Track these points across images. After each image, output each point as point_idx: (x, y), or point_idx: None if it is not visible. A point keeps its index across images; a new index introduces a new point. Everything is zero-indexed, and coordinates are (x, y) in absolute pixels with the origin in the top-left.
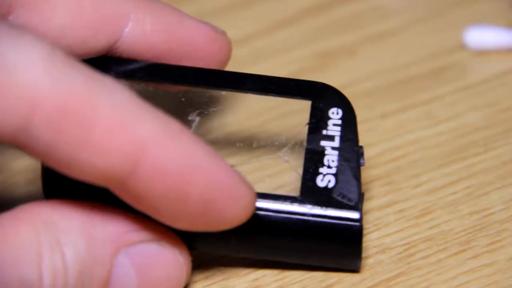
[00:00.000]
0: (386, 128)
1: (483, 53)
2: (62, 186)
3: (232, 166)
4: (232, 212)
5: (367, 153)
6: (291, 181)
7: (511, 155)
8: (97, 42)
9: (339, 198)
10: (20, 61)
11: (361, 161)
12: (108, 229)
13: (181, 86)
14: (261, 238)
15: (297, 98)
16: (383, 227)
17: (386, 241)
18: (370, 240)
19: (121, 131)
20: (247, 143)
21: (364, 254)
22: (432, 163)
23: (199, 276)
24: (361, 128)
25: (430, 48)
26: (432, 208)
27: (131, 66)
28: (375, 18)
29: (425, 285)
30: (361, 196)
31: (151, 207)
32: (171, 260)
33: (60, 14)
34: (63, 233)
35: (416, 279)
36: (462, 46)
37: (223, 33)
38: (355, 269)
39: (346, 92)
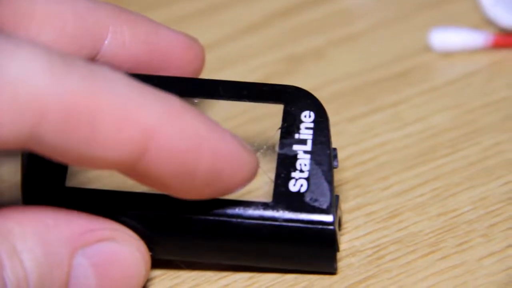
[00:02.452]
0: (353, 131)
1: (449, 54)
2: (42, 194)
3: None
4: (237, 178)
5: None
6: (263, 186)
7: (478, 156)
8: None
9: (312, 202)
10: (22, 73)
11: (334, 163)
12: (62, 231)
13: None
14: (235, 245)
15: (270, 103)
16: (353, 230)
17: (356, 244)
18: (340, 243)
19: (127, 122)
20: None
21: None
22: (400, 166)
23: (168, 283)
24: None
25: (396, 51)
26: (400, 210)
27: None
28: (342, 21)
29: (395, 287)
30: (334, 199)
31: (161, 184)
32: (129, 257)
33: (46, 30)
34: (19, 240)
35: (386, 282)
36: (427, 48)
37: (197, 41)
38: (331, 272)
39: None
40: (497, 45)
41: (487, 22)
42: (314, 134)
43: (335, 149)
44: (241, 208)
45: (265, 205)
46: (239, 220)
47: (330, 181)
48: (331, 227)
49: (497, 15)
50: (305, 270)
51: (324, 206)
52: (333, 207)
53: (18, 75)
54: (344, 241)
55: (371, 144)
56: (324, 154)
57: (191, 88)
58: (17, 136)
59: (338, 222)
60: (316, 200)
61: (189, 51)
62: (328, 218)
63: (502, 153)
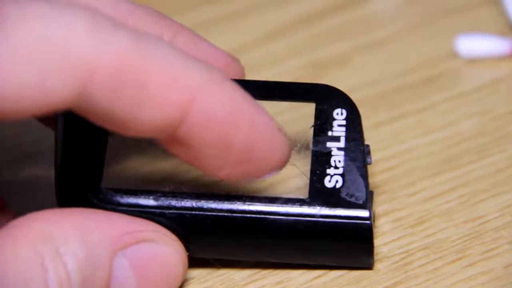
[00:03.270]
0: (379, 137)
1: (475, 61)
2: (78, 196)
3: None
4: (271, 159)
5: None
6: (299, 185)
7: (505, 163)
8: None
9: (347, 198)
10: (69, 33)
11: (368, 159)
12: (103, 233)
13: None
14: (272, 242)
15: (301, 101)
16: (380, 236)
17: (383, 250)
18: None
19: (173, 83)
20: None
21: None
22: (426, 172)
23: (197, 287)
24: None
25: (422, 57)
26: (427, 216)
27: None
28: (367, 28)
29: None
30: (369, 194)
31: (197, 155)
32: (167, 258)
33: None
34: (61, 244)
35: None
36: (454, 55)
37: (238, 60)
38: (368, 267)
39: None
40: None
41: None
42: (347, 131)
43: (368, 145)
44: (278, 205)
45: (301, 202)
46: (276, 217)
47: (365, 176)
48: (368, 221)
49: None
50: (342, 265)
51: (360, 201)
52: (369, 202)
53: (66, 36)
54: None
55: (398, 151)
56: (358, 150)
57: None
58: (68, 95)
59: (373, 217)
60: (352, 196)
61: (229, 69)
62: (365, 213)
63: None
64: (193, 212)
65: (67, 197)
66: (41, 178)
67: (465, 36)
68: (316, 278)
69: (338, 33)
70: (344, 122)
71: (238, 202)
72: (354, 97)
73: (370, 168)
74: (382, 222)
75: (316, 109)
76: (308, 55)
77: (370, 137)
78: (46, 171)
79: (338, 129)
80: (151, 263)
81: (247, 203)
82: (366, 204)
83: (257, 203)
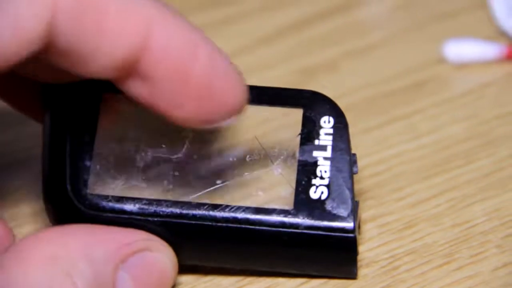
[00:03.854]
0: (368, 142)
1: (463, 66)
2: (61, 202)
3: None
4: (229, 96)
5: None
6: (285, 194)
7: (493, 167)
8: None
9: (332, 210)
10: None
11: (354, 169)
12: (104, 248)
13: None
14: (256, 251)
15: (289, 107)
16: (367, 241)
17: (370, 255)
18: (359, 245)
19: (131, 13)
20: (240, 157)
21: None
22: (414, 177)
23: None
24: None
25: (410, 62)
26: (415, 221)
27: None
28: (356, 33)
29: None
30: (355, 205)
31: (156, 91)
32: (163, 264)
33: None
34: (68, 264)
35: None
36: (442, 60)
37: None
38: (352, 277)
39: None
40: (511, 57)
41: (501, 34)
42: (334, 140)
43: (354, 154)
44: (263, 215)
45: (286, 212)
46: (260, 227)
47: (350, 188)
48: (352, 234)
49: (511, 27)
50: (326, 275)
51: (345, 214)
52: (353, 214)
53: None
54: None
55: (386, 155)
56: (344, 160)
57: None
58: (39, 29)
59: (358, 225)
60: (336, 208)
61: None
62: (349, 225)
63: None
64: (178, 220)
65: (53, 202)
66: (32, 185)
67: (453, 41)
68: (303, 284)
69: (328, 38)
70: (331, 131)
71: (223, 211)
72: (343, 102)
73: (359, 174)
74: (369, 227)
75: (304, 116)
76: (298, 60)
77: (359, 142)
78: (36, 178)
79: (325, 138)
80: (149, 271)
81: (232, 212)
82: (351, 216)
83: (242, 213)
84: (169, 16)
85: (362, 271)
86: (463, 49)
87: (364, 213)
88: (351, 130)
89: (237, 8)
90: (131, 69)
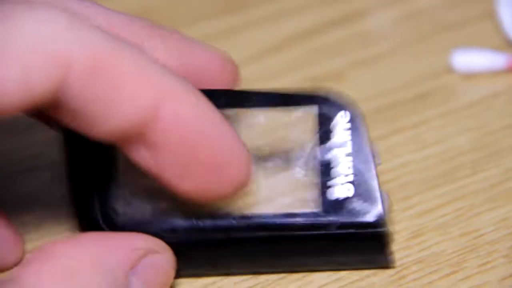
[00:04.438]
0: None
1: (470, 76)
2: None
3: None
4: (235, 173)
5: None
6: (311, 196)
7: (500, 177)
8: None
9: (360, 206)
10: (46, 30)
11: (378, 160)
12: (115, 256)
13: None
14: (290, 256)
15: (303, 107)
16: None
17: None
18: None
19: (145, 84)
20: (261, 164)
21: (356, 277)
22: (421, 186)
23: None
24: None
25: (417, 72)
26: (423, 230)
27: None
28: (362, 43)
29: None
30: (382, 197)
31: (162, 160)
32: (167, 264)
33: None
34: (86, 278)
35: None
36: (449, 70)
37: (231, 59)
38: (387, 266)
39: None
40: None
41: (509, 44)
42: (352, 135)
43: (375, 145)
44: (292, 220)
45: (315, 215)
46: (291, 232)
47: (376, 181)
48: (384, 228)
49: None
50: (361, 268)
51: (374, 208)
52: (383, 207)
53: (47, 34)
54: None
55: (392, 165)
56: (366, 153)
57: (224, 99)
58: (49, 89)
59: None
60: (365, 203)
61: (224, 70)
62: (380, 219)
63: None
64: (212, 236)
65: (83, 225)
66: (41, 193)
67: (460, 51)
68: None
69: (334, 48)
70: (348, 126)
71: (252, 220)
72: None
73: None
74: None
75: (319, 115)
76: (304, 70)
77: None
78: (45, 186)
79: (343, 133)
80: (156, 272)
81: (261, 220)
82: (380, 210)
83: (271, 220)
84: (183, 90)
85: (370, 280)
86: (470, 59)
87: None
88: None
89: (245, 17)
90: (138, 136)
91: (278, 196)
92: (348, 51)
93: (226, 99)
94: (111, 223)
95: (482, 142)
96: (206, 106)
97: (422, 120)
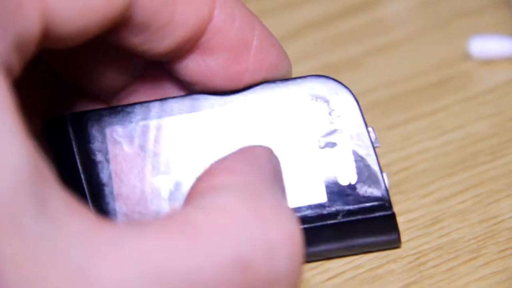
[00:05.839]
0: (393, 139)
1: (488, 62)
2: None
3: None
4: (283, 64)
5: None
6: (315, 188)
7: None
8: None
9: (365, 192)
10: None
11: (375, 144)
12: None
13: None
14: None
15: (296, 98)
16: None
17: (397, 250)
18: (381, 250)
19: None
20: None
21: (374, 264)
22: (440, 173)
23: None
24: None
25: (435, 59)
26: (442, 217)
27: None
28: (379, 31)
29: None
30: (384, 179)
31: (219, 63)
32: None
33: None
34: None
35: None
36: (466, 56)
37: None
38: (396, 247)
39: None
40: None
41: None
42: (348, 121)
43: (371, 128)
44: (299, 213)
45: (321, 206)
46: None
47: (377, 164)
48: (390, 211)
49: None
50: (371, 251)
51: (379, 193)
52: (386, 190)
53: None
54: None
55: (411, 152)
56: (363, 138)
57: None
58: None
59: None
60: (369, 188)
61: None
62: (385, 202)
63: None
64: None
65: None
66: None
67: (477, 38)
68: (328, 279)
69: (351, 36)
70: (343, 112)
71: None
72: (367, 99)
73: (383, 170)
74: None
75: (313, 104)
76: (321, 58)
77: (383, 138)
78: None
79: (338, 120)
80: None
81: None
82: (385, 193)
83: None
84: None
85: (389, 267)
86: (488, 46)
87: None
88: (376, 126)
89: (260, 5)
90: (197, 39)
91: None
92: (365, 39)
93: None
94: None
95: (501, 127)
96: (246, 7)
97: (440, 107)
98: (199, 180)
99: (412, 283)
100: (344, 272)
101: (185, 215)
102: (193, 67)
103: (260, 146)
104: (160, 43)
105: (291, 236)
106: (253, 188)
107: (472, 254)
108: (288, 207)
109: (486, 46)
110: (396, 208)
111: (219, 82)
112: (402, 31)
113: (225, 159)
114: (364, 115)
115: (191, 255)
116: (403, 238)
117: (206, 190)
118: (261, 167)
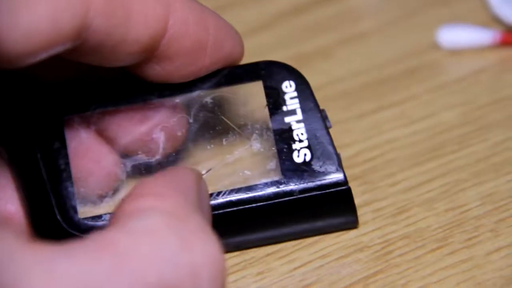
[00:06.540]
0: (362, 128)
1: (457, 52)
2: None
3: (209, 170)
4: (235, 52)
5: (344, 154)
6: (270, 166)
7: (486, 153)
8: None
9: (320, 168)
10: None
11: (328, 123)
12: None
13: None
14: (258, 228)
15: (248, 82)
16: (361, 225)
17: (364, 239)
18: (348, 239)
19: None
20: (216, 143)
21: (342, 253)
22: (408, 162)
23: None
24: (337, 129)
25: (404, 49)
26: (408, 206)
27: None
28: (349, 20)
29: (404, 282)
30: (338, 157)
31: (176, 66)
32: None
33: None
34: None
35: (395, 276)
36: (435, 46)
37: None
38: (353, 227)
39: (322, 94)
40: (505, 43)
41: (495, 20)
42: (300, 102)
43: (323, 110)
44: (255, 192)
45: (277, 183)
46: (256, 204)
47: (330, 143)
48: (346, 186)
49: (505, 14)
50: (330, 231)
51: (333, 169)
52: (341, 167)
53: None
54: (352, 237)
55: (379, 141)
56: (316, 118)
57: (169, 88)
58: (75, 25)
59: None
60: (323, 165)
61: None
62: (340, 177)
63: (510, 149)
64: None
65: (46, 236)
66: None
67: (446, 27)
68: (296, 268)
69: (322, 25)
70: (295, 94)
71: (216, 198)
72: (337, 88)
73: (352, 159)
74: (363, 212)
75: (265, 87)
76: (292, 47)
77: (352, 127)
78: None
79: (292, 102)
80: None
81: (225, 197)
82: (339, 169)
83: (235, 195)
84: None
85: (355, 256)
86: (457, 35)
87: (358, 198)
88: (345, 116)
89: None
90: (153, 50)
91: (238, 171)
92: (335, 29)
93: (171, 87)
94: (71, 222)
95: (469, 117)
96: (201, 5)
97: (409, 96)
98: (124, 201)
99: (379, 272)
100: (311, 261)
101: (112, 238)
102: (150, 72)
103: (186, 168)
104: (115, 59)
105: (214, 259)
106: (178, 212)
107: (439, 242)
108: (211, 231)
109: (454, 35)
110: (363, 198)
111: (176, 80)
112: (372, 21)
113: (151, 181)
114: (334, 104)
115: (117, 279)
116: (370, 227)
117: (131, 212)
118: (186, 190)
